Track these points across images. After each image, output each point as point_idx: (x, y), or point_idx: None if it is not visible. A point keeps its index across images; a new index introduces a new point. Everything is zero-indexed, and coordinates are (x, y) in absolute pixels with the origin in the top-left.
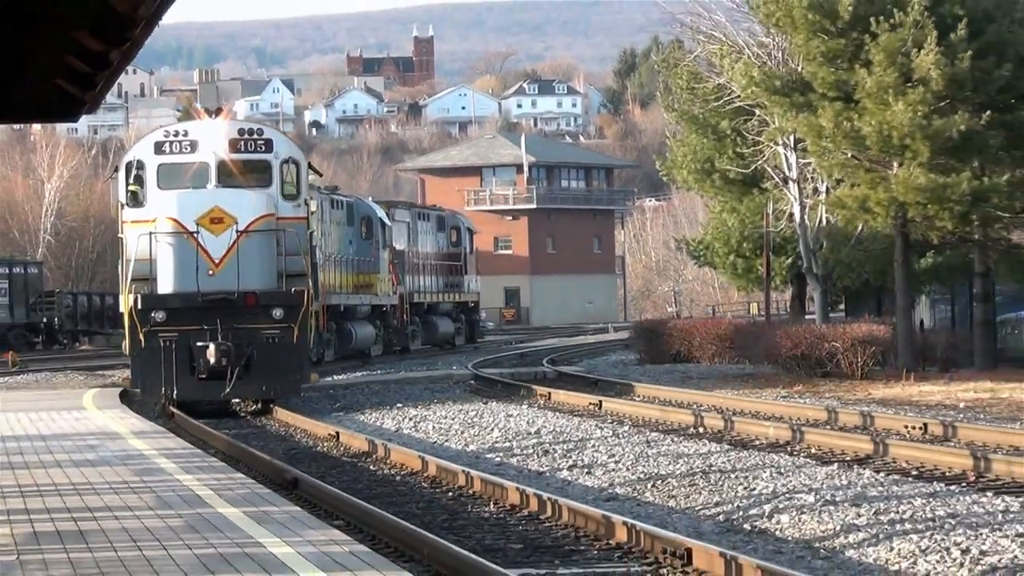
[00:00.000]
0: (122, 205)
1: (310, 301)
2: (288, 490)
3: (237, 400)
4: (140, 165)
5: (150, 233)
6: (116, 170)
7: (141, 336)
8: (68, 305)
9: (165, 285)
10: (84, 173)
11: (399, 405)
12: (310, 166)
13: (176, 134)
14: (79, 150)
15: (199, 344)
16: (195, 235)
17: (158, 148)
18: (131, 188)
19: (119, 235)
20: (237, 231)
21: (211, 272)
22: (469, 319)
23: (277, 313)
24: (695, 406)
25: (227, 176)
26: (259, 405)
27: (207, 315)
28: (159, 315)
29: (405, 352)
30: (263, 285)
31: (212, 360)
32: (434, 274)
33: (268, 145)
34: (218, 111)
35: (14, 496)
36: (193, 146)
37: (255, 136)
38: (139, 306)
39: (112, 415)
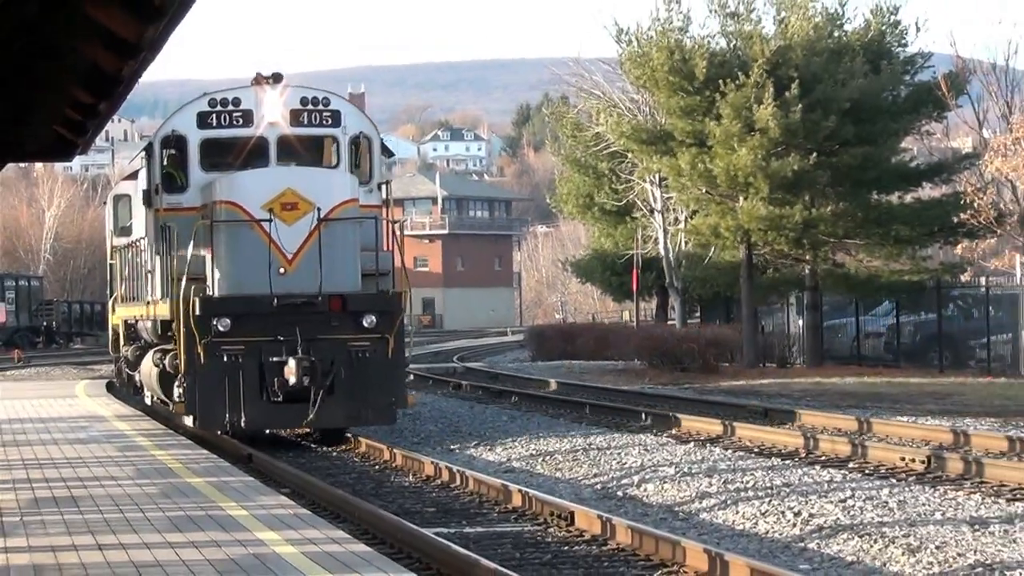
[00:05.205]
0: (156, 189)
1: (409, 306)
2: (244, 463)
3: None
4: (180, 142)
5: (211, 222)
6: (148, 149)
7: (200, 350)
8: (64, 312)
9: (222, 286)
10: (77, 203)
11: None
12: (383, 145)
13: (224, 103)
14: (73, 185)
15: (273, 359)
16: (265, 224)
17: (202, 120)
18: (168, 169)
19: (159, 226)
20: (317, 219)
21: (282, 270)
22: None
23: (369, 321)
24: (579, 394)
25: (289, 154)
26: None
27: (282, 323)
28: (223, 324)
29: None
30: (347, 286)
31: (292, 379)
32: None
33: (336, 118)
34: (277, 77)
35: (18, 468)
36: (246, 117)
37: (320, 107)
38: (198, 312)
39: (99, 402)
